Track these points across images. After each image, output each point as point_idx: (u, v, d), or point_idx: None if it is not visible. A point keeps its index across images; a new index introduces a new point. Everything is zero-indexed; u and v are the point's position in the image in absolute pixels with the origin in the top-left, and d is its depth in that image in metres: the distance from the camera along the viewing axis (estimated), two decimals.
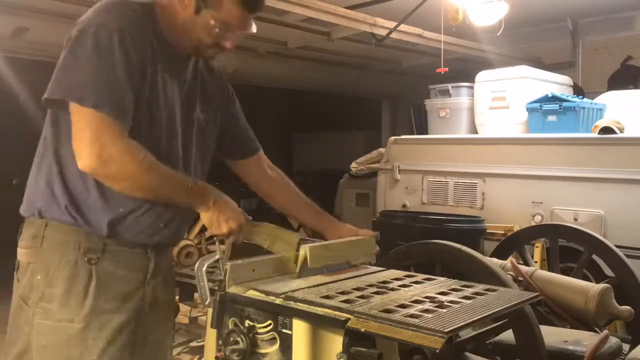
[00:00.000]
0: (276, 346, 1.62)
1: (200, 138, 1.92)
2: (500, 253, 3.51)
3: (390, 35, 5.89)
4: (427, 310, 1.51)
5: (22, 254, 1.77)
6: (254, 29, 1.82)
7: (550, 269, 3.50)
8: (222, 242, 1.99)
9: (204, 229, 5.57)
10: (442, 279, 1.91)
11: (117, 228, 1.74)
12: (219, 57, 1.90)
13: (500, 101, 5.22)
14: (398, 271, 2.01)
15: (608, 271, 3.50)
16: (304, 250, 1.82)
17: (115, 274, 1.74)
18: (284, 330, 1.61)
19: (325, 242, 2.00)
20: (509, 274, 2.70)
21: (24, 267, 1.75)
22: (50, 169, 1.73)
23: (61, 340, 1.68)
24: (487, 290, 1.77)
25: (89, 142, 1.60)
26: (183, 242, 5.51)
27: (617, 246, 3.34)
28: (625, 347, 2.77)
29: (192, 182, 1.76)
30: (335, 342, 1.50)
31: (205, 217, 1.73)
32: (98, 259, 1.71)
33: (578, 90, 5.86)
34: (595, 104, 4.93)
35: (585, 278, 3.40)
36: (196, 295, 1.71)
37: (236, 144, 2.10)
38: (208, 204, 1.72)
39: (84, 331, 1.68)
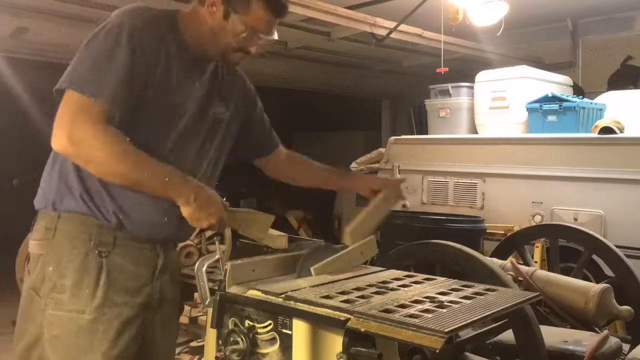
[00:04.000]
0: (276, 346, 1.62)
1: (216, 133, 1.97)
2: (500, 253, 3.51)
3: (390, 35, 5.88)
4: (427, 310, 1.51)
5: (34, 245, 1.79)
6: (276, 35, 1.89)
7: (550, 269, 3.50)
8: (222, 241, 2.00)
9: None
10: (442, 279, 1.91)
11: (124, 220, 1.76)
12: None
13: (500, 101, 5.22)
14: (398, 271, 2.02)
15: (608, 271, 3.50)
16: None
17: (124, 268, 1.77)
18: (284, 330, 1.61)
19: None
20: (509, 274, 2.70)
21: (35, 258, 1.77)
22: (65, 160, 1.76)
23: (71, 330, 1.70)
24: (487, 290, 1.77)
25: (64, 123, 1.63)
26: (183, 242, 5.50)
27: (617, 246, 3.34)
28: (625, 347, 2.77)
29: (174, 175, 1.72)
30: (335, 342, 1.51)
31: (185, 212, 1.73)
32: (109, 252, 1.75)
33: (578, 90, 5.85)
34: (595, 104, 4.92)
35: (585, 278, 3.41)
36: (196, 295, 1.70)
37: (261, 144, 2.22)
38: (189, 199, 1.71)
39: (94, 322, 1.71)
